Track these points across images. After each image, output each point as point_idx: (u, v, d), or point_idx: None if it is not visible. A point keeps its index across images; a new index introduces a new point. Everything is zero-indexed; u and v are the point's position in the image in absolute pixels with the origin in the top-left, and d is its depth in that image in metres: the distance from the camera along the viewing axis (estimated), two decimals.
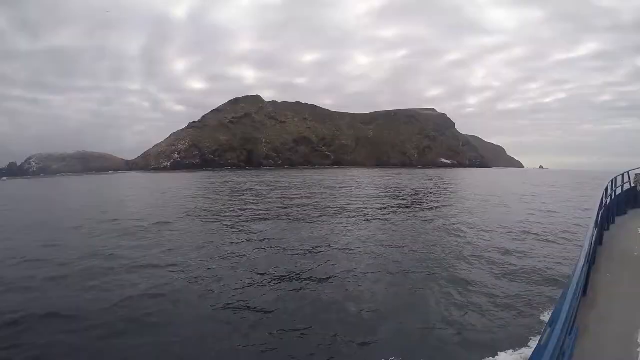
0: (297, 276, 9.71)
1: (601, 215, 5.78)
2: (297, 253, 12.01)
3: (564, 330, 2.19)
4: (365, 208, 22.58)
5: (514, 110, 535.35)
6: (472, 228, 16.18)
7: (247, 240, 14.10)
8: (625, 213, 8.95)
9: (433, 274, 9.81)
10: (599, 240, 5.90)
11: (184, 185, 49.34)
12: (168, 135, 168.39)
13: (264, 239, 14.14)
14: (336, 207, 22.96)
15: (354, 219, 18.53)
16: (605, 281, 4.76)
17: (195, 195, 34.08)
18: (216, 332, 6.75)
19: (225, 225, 17.46)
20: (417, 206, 24.16)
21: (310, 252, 12.08)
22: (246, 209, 23.08)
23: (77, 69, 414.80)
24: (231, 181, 55.94)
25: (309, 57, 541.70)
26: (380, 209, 22.44)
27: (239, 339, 6.51)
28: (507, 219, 18.53)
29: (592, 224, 4.48)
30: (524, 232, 15.22)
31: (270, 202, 26.72)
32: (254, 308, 7.74)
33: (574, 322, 2.93)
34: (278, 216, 19.61)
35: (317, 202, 26.31)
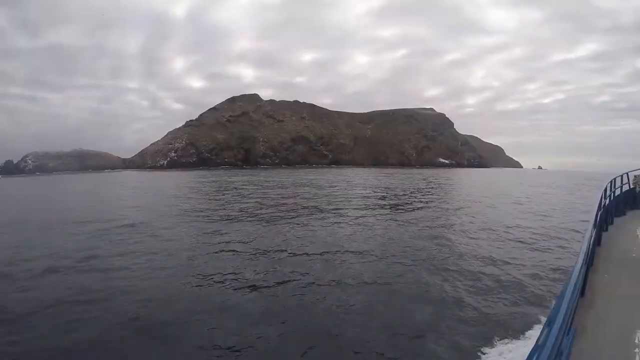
0: (236, 284, 8.88)
1: (600, 216, 5.67)
2: (247, 258, 11.00)
3: (562, 331, 2.17)
4: (345, 209, 21.53)
5: (513, 111, 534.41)
6: (454, 233, 15.01)
7: (205, 244, 13.11)
8: (624, 214, 8.80)
9: (393, 288, 8.60)
10: (597, 241, 5.76)
11: (175, 185, 48.39)
12: (166, 134, 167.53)
13: (222, 242, 13.18)
14: (314, 208, 21.92)
15: (328, 220, 17.46)
16: (603, 282, 4.67)
17: (179, 195, 33.07)
18: (137, 344, 6.27)
19: (192, 227, 16.52)
20: (400, 207, 23.10)
21: (260, 257, 11.08)
22: (222, 209, 22.11)
23: (77, 67, 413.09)
24: (220, 180, 54.98)
25: (308, 57, 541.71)
26: (361, 209, 21.40)
27: (159, 353, 6.05)
28: (496, 223, 17.29)
29: (590, 225, 4.37)
30: (511, 239, 13.85)
31: (248, 202, 25.68)
32: (180, 320, 7.07)
33: (571, 322, 2.89)
34: (249, 217, 18.56)
35: (296, 202, 25.25)
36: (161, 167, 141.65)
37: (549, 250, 12.15)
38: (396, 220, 17.84)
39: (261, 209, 21.90)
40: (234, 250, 12.03)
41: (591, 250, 4.67)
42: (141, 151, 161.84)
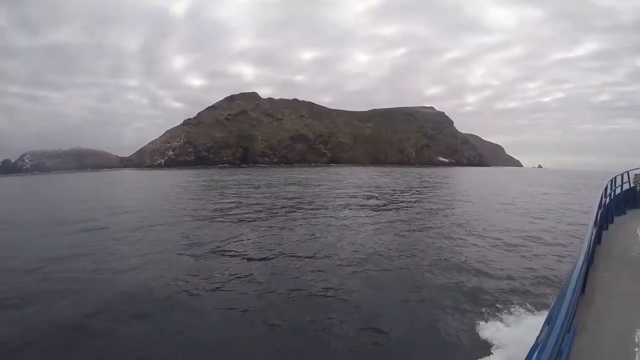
0: (168, 289, 8.08)
1: (600, 215, 5.67)
2: (194, 264, 10.10)
3: (562, 329, 2.19)
4: (324, 209, 20.56)
5: (513, 109, 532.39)
6: (434, 238, 13.56)
7: (164, 248, 12.22)
8: (625, 213, 8.80)
9: (341, 307, 7.39)
10: (597, 240, 5.77)
11: (168, 184, 47.53)
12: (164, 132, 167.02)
13: (180, 245, 12.36)
14: (291, 208, 21.00)
15: (300, 222, 16.52)
16: (604, 280, 4.67)
17: (166, 195, 32.19)
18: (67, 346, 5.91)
19: (161, 229, 15.61)
20: (384, 208, 22.08)
21: (210, 262, 10.19)
22: (199, 208, 21.33)
23: (77, 66, 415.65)
24: (212, 180, 54.20)
25: (308, 55, 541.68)
26: (341, 210, 20.42)
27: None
28: (486, 226, 16.02)
29: (591, 223, 4.37)
30: (500, 245, 12.41)
31: (227, 202, 24.76)
32: (110, 325, 6.60)
33: (572, 320, 2.89)
34: (220, 218, 17.65)
35: (276, 203, 24.26)
36: (159, 166, 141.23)
37: (541, 257, 10.86)
38: (375, 224, 16.75)
39: (237, 208, 20.99)
40: (192, 254, 11.17)
41: (592, 248, 4.69)
42: (139, 150, 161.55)
